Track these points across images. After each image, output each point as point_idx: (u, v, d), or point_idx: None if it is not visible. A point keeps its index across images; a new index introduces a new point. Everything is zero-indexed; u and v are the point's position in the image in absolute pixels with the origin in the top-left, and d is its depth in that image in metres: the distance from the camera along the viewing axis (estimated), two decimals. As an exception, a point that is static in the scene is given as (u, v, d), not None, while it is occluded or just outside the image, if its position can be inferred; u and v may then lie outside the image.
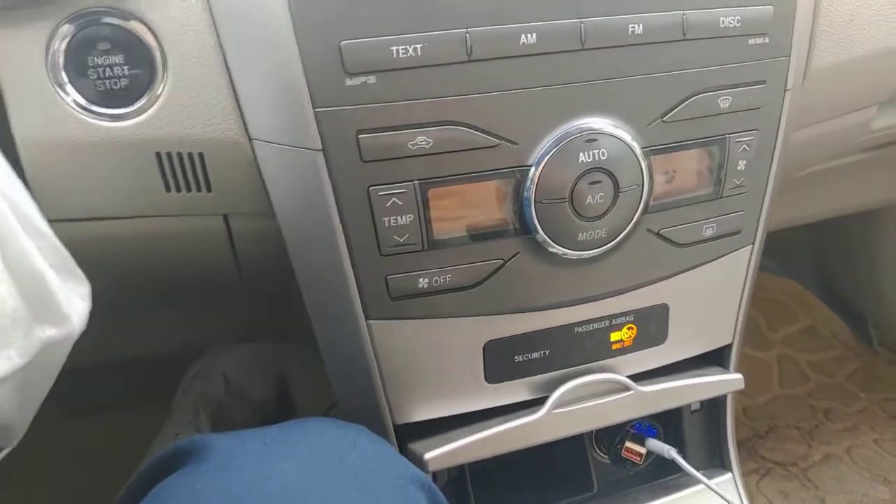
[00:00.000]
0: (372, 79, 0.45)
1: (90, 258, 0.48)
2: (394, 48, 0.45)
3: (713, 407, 0.73)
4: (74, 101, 0.47)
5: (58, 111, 0.46)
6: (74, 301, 0.46)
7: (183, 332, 0.89)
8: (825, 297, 1.55)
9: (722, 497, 0.60)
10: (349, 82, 0.45)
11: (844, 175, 0.92)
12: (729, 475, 0.72)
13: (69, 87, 0.46)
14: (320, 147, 0.47)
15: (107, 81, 0.46)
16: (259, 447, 0.43)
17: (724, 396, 0.71)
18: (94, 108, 0.47)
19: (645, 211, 0.54)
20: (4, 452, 0.51)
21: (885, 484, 1.19)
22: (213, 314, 0.84)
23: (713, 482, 0.64)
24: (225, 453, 0.42)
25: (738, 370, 0.67)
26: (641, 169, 0.52)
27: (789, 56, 0.55)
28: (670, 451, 0.64)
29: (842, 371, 1.45)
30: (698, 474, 0.61)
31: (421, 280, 0.52)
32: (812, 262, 1.57)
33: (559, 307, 0.57)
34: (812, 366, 1.46)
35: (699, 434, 0.74)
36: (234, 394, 1.14)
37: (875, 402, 1.37)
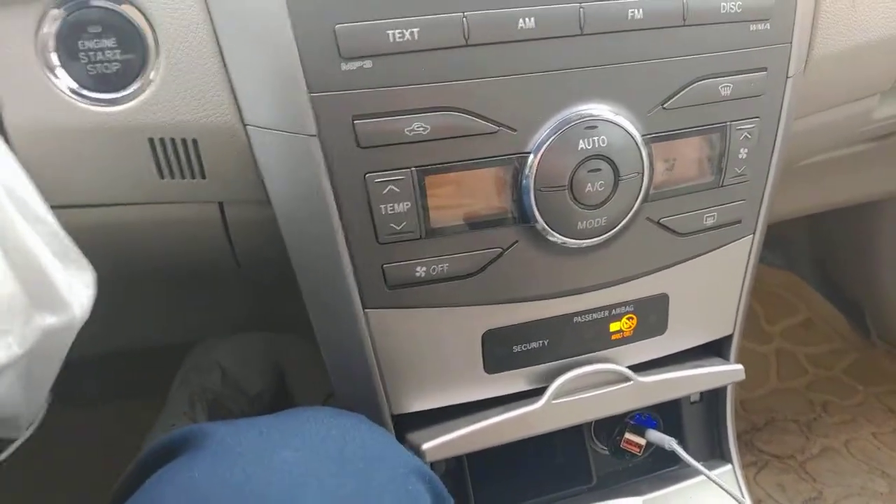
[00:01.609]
0: (368, 63, 0.45)
1: (83, 246, 0.48)
2: (390, 32, 0.44)
3: (713, 398, 0.73)
4: (66, 86, 0.46)
5: (48, 96, 0.46)
6: (77, 288, 0.45)
7: (179, 323, 0.89)
8: (823, 289, 1.55)
9: (722, 488, 0.59)
10: (345, 67, 0.45)
11: (844, 166, 0.91)
12: (729, 467, 0.71)
13: (60, 71, 0.45)
14: (316, 133, 0.46)
15: (98, 65, 0.46)
16: (257, 435, 0.42)
17: (725, 388, 0.71)
18: (85, 92, 0.46)
19: (645, 199, 0.53)
20: (15, 445, 0.50)
21: (884, 477, 1.19)
22: (210, 304, 0.84)
23: (713, 474, 0.64)
24: (222, 442, 0.41)
25: (738, 362, 0.67)
26: (642, 157, 0.51)
27: (791, 43, 0.54)
28: (671, 443, 0.64)
29: (840, 364, 1.45)
30: (699, 465, 0.61)
31: (418, 269, 0.52)
32: (810, 255, 1.56)
33: (558, 297, 0.57)
34: (810, 359, 1.46)
35: (699, 426, 0.73)
36: (230, 385, 1.14)
37: (873, 396, 1.36)
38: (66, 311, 0.45)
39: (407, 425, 0.60)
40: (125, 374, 1.18)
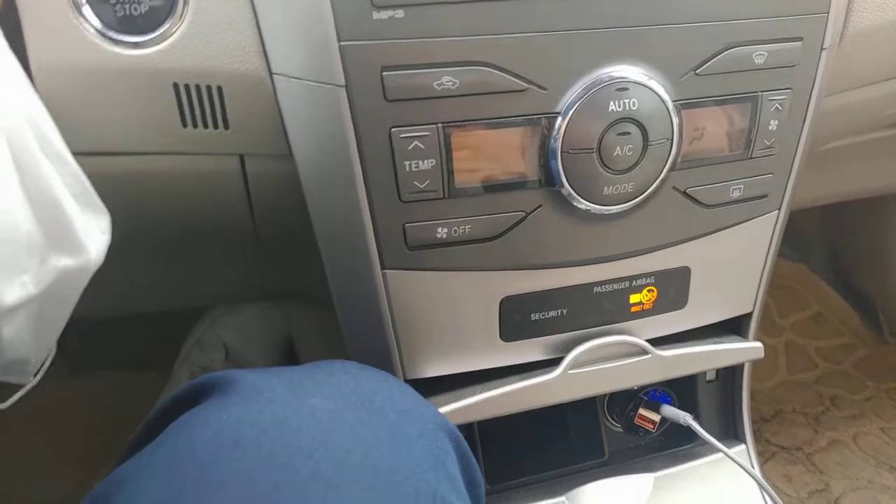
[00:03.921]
0: (400, 13, 0.44)
1: (99, 196, 0.47)
2: (423, -20, 0.43)
3: (728, 378, 0.72)
4: (92, 25, 0.45)
5: (74, 35, 0.45)
6: (93, 232, 0.45)
7: (189, 289, 0.88)
8: (836, 284, 1.54)
9: (739, 464, 0.58)
10: (376, 16, 0.44)
11: (865, 155, 0.90)
12: (743, 447, 0.71)
13: (87, 10, 0.45)
14: (343, 83, 0.45)
15: (126, 6, 0.45)
16: (287, 382, 0.41)
17: (741, 367, 0.70)
18: (111, 33, 0.45)
19: (673, 167, 0.52)
20: (22, 391, 0.50)
21: (891, 471, 1.18)
22: (222, 270, 0.83)
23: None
24: (252, 387, 0.40)
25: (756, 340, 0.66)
26: (672, 122, 0.51)
27: (828, 13, 0.53)
28: (686, 418, 0.63)
29: (850, 359, 1.44)
30: (714, 440, 0.60)
31: (440, 230, 0.51)
32: (824, 249, 1.55)
33: (579, 265, 0.56)
34: (820, 352, 1.45)
35: (713, 405, 0.73)
36: (233, 364, 1.13)
37: (883, 391, 1.36)
38: (82, 253, 0.44)
39: (420, 391, 0.59)
40: (135, 341, 1.18)
